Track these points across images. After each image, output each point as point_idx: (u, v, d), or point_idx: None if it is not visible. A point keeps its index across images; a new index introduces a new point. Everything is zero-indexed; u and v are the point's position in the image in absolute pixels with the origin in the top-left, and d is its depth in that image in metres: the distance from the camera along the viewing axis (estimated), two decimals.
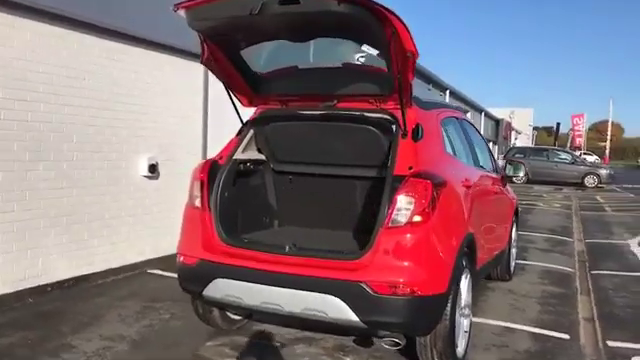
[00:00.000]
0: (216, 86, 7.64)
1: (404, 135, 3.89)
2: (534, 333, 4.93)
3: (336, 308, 3.50)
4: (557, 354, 4.48)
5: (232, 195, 4.25)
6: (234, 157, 4.32)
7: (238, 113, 4.42)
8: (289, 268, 3.68)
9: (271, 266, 3.73)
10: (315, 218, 4.81)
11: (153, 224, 6.86)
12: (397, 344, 3.67)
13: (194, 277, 4.01)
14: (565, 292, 6.47)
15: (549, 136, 60.34)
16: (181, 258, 4.13)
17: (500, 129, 36.82)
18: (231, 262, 3.87)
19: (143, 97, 6.59)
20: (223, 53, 4.07)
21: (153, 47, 6.69)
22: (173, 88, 7.06)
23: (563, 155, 26.98)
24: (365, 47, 3.90)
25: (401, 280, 3.45)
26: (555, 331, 4.99)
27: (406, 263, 3.50)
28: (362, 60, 4.06)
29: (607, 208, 16.21)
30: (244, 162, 4.48)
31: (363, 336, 4.34)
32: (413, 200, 3.53)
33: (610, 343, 4.74)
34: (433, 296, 3.53)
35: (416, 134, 3.92)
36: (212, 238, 4.01)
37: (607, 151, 55.16)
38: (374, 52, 3.83)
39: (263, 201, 4.84)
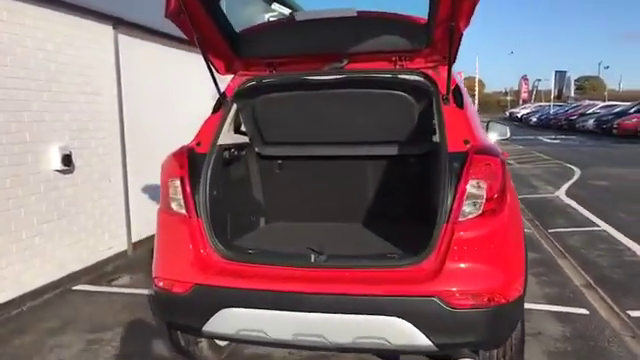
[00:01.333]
0: (129, 53, 6.45)
1: (445, 100, 3.09)
2: (553, 312, 4.50)
3: (401, 333, 2.67)
4: (594, 337, 4.04)
5: (221, 193, 3.21)
6: (218, 143, 3.25)
7: (216, 83, 3.34)
8: (324, 285, 2.78)
9: (298, 285, 2.81)
10: (319, 211, 3.91)
11: (72, 229, 5.51)
12: None
13: (188, 309, 2.96)
14: (542, 257, 6.17)
15: None
16: (161, 284, 3.05)
17: None
18: (242, 284, 2.87)
19: (43, 70, 5.13)
20: (199, 1, 2.96)
21: (50, 5, 5.21)
22: (79, 57, 5.62)
23: None
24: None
25: (483, 287, 2.70)
26: (570, 306, 4.62)
27: (486, 265, 2.75)
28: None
29: (511, 161, 16.77)
30: (229, 148, 3.43)
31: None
32: (485, 184, 2.76)
33: (632, 313, 4.41)
34: (514, 301, 2.81)
35: (460, 99, 3.14)
36: (207, 253, 2.99)
37: (476, 105, 58.62)
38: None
39: (248, 195, 3.83)
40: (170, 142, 7.12)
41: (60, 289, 5.25)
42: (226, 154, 3.37)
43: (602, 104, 35.01)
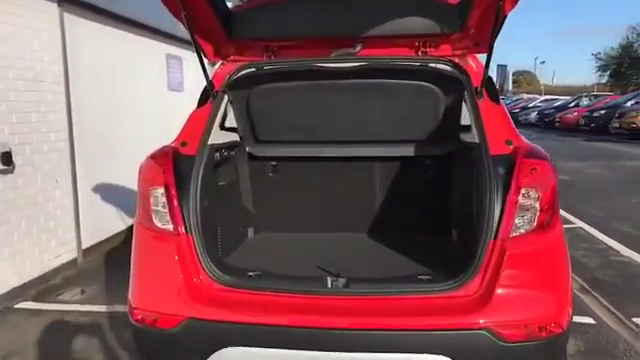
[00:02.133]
0: (78, 35, 5.64)
1: (479, 94, 2.65)
2: None
3: None
4: (609, 351, 3.75)
5: (212, 203, 2.66)
6: (208, 142, 2.69)
7: (205, 69, 2.76)
8: (348, 318, 2.30)
9: (315, 317, 2.31)
10: (318, 219, 3.40)
11: (12, 238, 4.75)
12: None
13: (178, 348, 2.40)
14: None
15: None
16: (141, 317, 2.47)
17: None
18: (245, 318, 2.35)
19: None
20: None
21: None
22: (18, 38, 4.84)
23: None
24: None
25: (538, 315, 2.30)
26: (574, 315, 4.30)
27: (541, 288, 2.35)
28: None
29: None
30: (220, 148, 2.87)
31: None
32: (538, 193, 2.36)
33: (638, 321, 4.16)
34: (567, 328, 2.42)
35: (494, 92, 2.72)
36: (201, 279, 2.43)
37: None
38: None
39: (237, 202, 3.28)
40: (126, 135, 6.55)
41: (1, 307, 4.50)
42: (217, 156, 2.81)
43: (542, 98, 36.00)
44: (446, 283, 2.36)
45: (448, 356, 2.20)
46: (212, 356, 2.31)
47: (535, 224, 2.33)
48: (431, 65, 2.74)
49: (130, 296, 2.54)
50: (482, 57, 2.77)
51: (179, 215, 2.48)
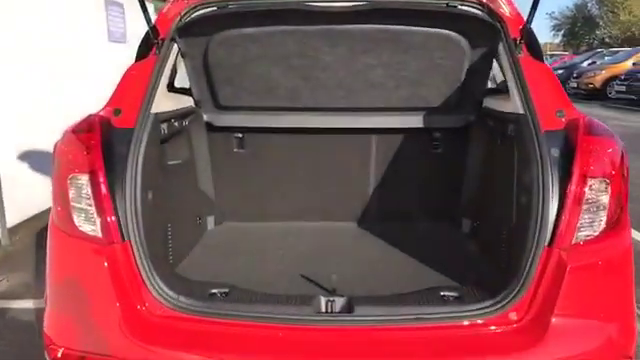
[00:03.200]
0: None
1: (518, 48, 2.00)
2: None
3: None
4: None
5: (159, 193, 1.94)
6: (152, 110, 1.93)
7: (145, 8, 1.97)
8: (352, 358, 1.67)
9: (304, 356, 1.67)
10: (296, 205, 2.72)
11: None
12: None
13: None
14: None
15: None
16: (59, 354, 1.76)
17: None
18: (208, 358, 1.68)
19: None
20: None
21: None
22: None
23: None
24: None
25: (608, 348, 1.72)
26: None
27: (610, 313, 1.76)
28: None
29: None
30: (169, 119, 2.13)
31: None
32: (609, 185, 1.74)
33: None
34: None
35: (537, 46, 2.07)
36: (146, 305, 1.74)
37: None
38: None
39: (193, 187, 2.55)
40: (55, 100, 5.57)
41: None
42: (164, 128, 2.07)
43: None
44: (483, 305, 1.74)
45: None
46: None
47: (603, 226, 1.73)
48: (462, 8, 2.04)
49: (45, 324, 1.82)
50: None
51: (111, 214, 1.76)
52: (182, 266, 2.20)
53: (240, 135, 2.59)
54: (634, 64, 17.59)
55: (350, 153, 2.65)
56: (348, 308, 1.77)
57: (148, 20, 1.99)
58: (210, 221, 2.73)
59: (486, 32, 2.06)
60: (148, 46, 2.09)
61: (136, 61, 2.13)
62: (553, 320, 1.66)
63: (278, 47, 2.11)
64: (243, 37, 2.08)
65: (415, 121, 2.48)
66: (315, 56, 2.14)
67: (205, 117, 2.50)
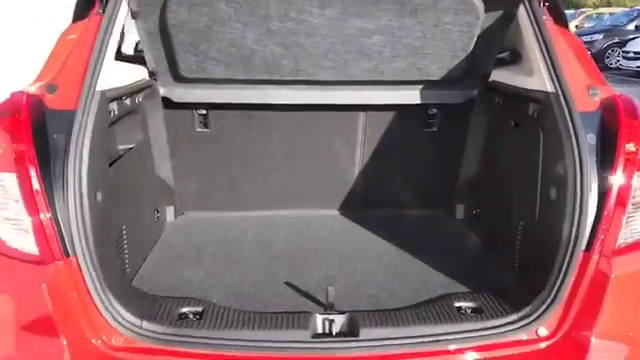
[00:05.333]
0: None
1: (537, 14, 1.70)
2: None
3: None
4: None
5: (110, 191, 1.56)
6: (98, 86, 1.52)
7: None
8: None
9: None
10: (272, 190, 2.36)
11: None
12: None
13: None
14: None
15: None
16: None
17: None
18: None
19: None
20: None
21: None
22: None
23: None
24: None
25: None
26: None
27: None
28: None
29: None
30: (119, 97, 1.72)
31: None
32: None
33: None
34: None
35: (561, 11, 1.78)
36: (101, 339, 1.38)
37: None
38: None
39: (148, 175, 2.14)
40: None
41: None
42: (113, 108, 1.66)
43: None
44: (508, 320, 1.47)
45: None
46: None
47: None
48: None
49: None
50: None
51: (50, 223, 1.36)
52: (141, 274, 1.83)
53: (204, 112, 2.17)
54: None
55: (334, 132, 2.29)
56: (351, 329, 1.46)
57: None
58: (169, 212, 2.34)
59: None
60: (87, 3, 1.66)
61: (73, 22, 1.69)
62: (593, 340, 1.41)
63: (255, 7, 1.70)
64: None
65: (410, 96, 2.13)
66: (300, 18, 1.74)
67: (162, 91, 2.06)
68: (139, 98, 1.91)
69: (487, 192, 2.17)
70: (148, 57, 1.93)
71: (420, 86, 2.09)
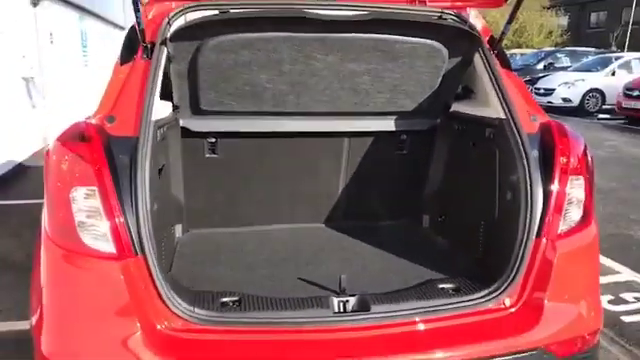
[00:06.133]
0: None
1: (489, 58, 2.21)
2: None
3: None
4: None
5: (161, 204, 1.89)
6: (152, 117, 1.86)
7: (138, 9, 1.88)
8: (373, 354, 1.75)
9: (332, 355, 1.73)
10: (269, 208, 2.72)
11: None
12: None
13: None
14: None
15: None
16: None
17: None
18: None
19: None
20: None
21: None
22: None
23: None
24: None
25: (588, 325, 1.97)
26: None
27: (589, 293, 2.00)
28: None
29: None
30: (163, 125, 2.05)
31: None
32: (583, 180, 1.98)
33: None
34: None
35: (505, 55, 2.29)
36: (159, 319, 1.69)
37: None
38: None
39: (168, 194, 2.45)
40: None
41: None
42: (158, 135, 2.00)
43: None
44: (481, 294, 1.90)
45: None
46: None
47: (580, 217, 1.97)
48: (451, 19, 2.19)
49: (44, 346, 1.69)
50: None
51: (124, 228, 1.67)
52: (174, 277, 2.13)
53: (213, 140, 2.53)
54: None
55: (323, 155, 2.71)
56: (363, 306, 1.84)
57: (139, 22, 1.89)
58: (178, 229, 2.63)
59: (465, 43, 2.23)
60: (133, 50, 1.99)
61: (122, 64, 2.01)
62: (546, 303, 1.87)
63: (272, 53, 2.10)
64: (238, 42, 2.05)
65: (386, 125, 2.60)
66: (307, 62, 2.17)
67: (181, 122, 2.41)
68: (166, 127, 2.24)
69: (450, 201, 2.64)
70: (175, 93, 2.27)
71: (395, 116, 2.55)
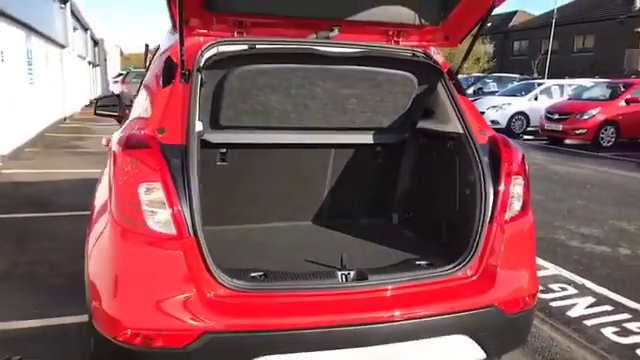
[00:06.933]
0: None
1: (449, 86, 2.84)
2: None
3: (463, 350, 2.39)
4: None
5: (202, 200, 2.37)
6: (197, 129, 2.36)
7: (182, 44, 2.37)
8: (376, 311, 2.29)
9: (339, 315, 2.25)
10: (265, 209, 3.19)
11: None
12: None
13: None
14: None
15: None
16: (139, 339, 2.09)
17: (101, 50, 33.89)
18: (269, 324, 2.17)
19: None
20: None
21: None
22: None
23: None
24: None
25: (526, 288, 2.59)
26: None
27: (527, 264, 2.64)
28: None
29: None
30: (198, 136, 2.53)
31: None
32: (522, 180, 2.62)
33: None
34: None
35: (459, 84, 2.92)
36: (208, 286, 2.16)
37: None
38: None
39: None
40: None
41: None
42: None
43: None
44: (449, 267, 2.48)
45: (467, 334, 2.34)
46: None
47: (520, 208, 2.59)
48: (420, 55, 2.80)
49: (115, 313, 2.11)
50: None
51: (181, 215, 2.14)
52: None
53: (224, 150, 3.01)
54: None
55: (313, 163, 3.23)
56: (362, 276, 2.36)
57: (182, 53, 2.37)
58: None
59: (431, 74, 2.83)
60: (172, 75, 2.46)
61: (164, 87, 2.47)
62: (498, 270, 2.46)
63: (283, 80, 2.62)
64: (257, 71, 2.56)
65: (365, 138, 3.16)
66: (310, 88, 2.69)
67: (203, 136, 2.87)
68: None
69: (417, 201, 3.23)
70: (201, 111, 2.74)
71: (373, 132, 3.13)
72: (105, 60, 35.97)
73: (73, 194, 7.54)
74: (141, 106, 2.84)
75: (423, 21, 2.75)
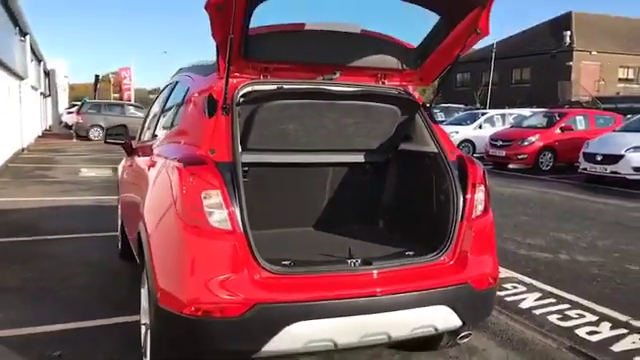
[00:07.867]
0: None
1: (425, 116, 3.62)
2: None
3: (446, 318, 3.09)
4: None
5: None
6: (239, 150, 3.03)
7: (227, 85, 3.04)
8: (378, 287, 2.97)
9: (354, 290, 2.93)
10: (274, 218, 3.84)
11: None
12: (470, 334, 3.51)
13: (246, 332, 2.72)
14: None
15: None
16: (201, 309, 2.71)
17: (52, 80, 33.72)
18: (302, 297, 2.83)
19: None
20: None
21: None
22: None
23: (133, 109, 27.06)
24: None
25: (490, 270, 3.32)
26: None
27: (490, 252, 3.37)
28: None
29: None
30: None
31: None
32: (483, 187, 3.40)
33: None
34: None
35: (432, 113, 3.71)
36: (254, 270, 2.81)
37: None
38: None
39: None
40: None
41: None
42: None
43: None
44: (431, 255, 3.19)
45: (448, 305, 3.06)
46: (279, 333, 2.72)
47: (483, 208, 3.36)
48: (402, 92, 3.58)
49: (182, 292, 2.72)
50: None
51: (233, 216, 2.79)
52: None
53: (246, 169, 3.65)
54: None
55: (314, 179, 3.90)
56: (366, 263, 3.04)
57: (226, 91, 3.06)
58: None
59: (411, 107, 3.58)
60: (214, 108, 3.12)
61: (209, 117, 3.11)
62: (470, 257, 3.20)
63: (299, 112, 3.33)
64: (281, 105, 3.25)
65: (357, 158, 3.85)
66: (319, 118, 3.38)
67: None
68: None
69: (399, 208, 3.96)
70: None
71: (363, 152, 3.86)
72: (56, 91, 35.73)
73: (57, 219, 7.96)
74: (176, 133, 3.50)
75: (404, 66, 3.52)
